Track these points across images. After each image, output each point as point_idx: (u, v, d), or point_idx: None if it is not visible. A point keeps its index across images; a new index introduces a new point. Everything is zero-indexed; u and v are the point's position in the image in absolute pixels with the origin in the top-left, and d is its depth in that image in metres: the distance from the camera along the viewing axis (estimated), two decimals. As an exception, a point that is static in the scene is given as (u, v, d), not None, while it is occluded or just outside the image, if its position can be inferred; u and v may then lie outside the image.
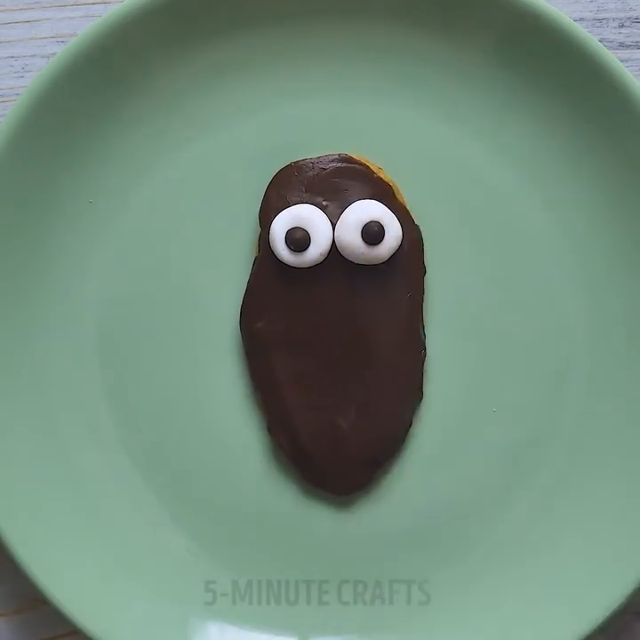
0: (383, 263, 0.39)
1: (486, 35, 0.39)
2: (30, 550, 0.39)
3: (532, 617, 0.40)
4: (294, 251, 0.39)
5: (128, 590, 0.40)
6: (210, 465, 0.41)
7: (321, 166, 0.40)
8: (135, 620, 0.40)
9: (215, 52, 0.40)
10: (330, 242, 0.39)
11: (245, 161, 0.41)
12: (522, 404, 0.41)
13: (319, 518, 0.41)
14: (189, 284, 0.41)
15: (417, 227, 0.40)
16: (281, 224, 0.39)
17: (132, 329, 0.41)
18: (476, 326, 0.41)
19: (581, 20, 0.42)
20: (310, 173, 0.40)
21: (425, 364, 0.41)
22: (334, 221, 0.39)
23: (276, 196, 0.40)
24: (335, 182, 0.40)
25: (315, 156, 0.40)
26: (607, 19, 0.42)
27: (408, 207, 0.40)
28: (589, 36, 0.38)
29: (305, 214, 0.39)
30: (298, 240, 0.39)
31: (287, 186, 0.40)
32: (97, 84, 0.39)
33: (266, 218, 0.40)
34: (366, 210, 0.39)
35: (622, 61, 0.39)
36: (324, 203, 0.40)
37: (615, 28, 0.42)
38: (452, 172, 0.41)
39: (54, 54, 0.41)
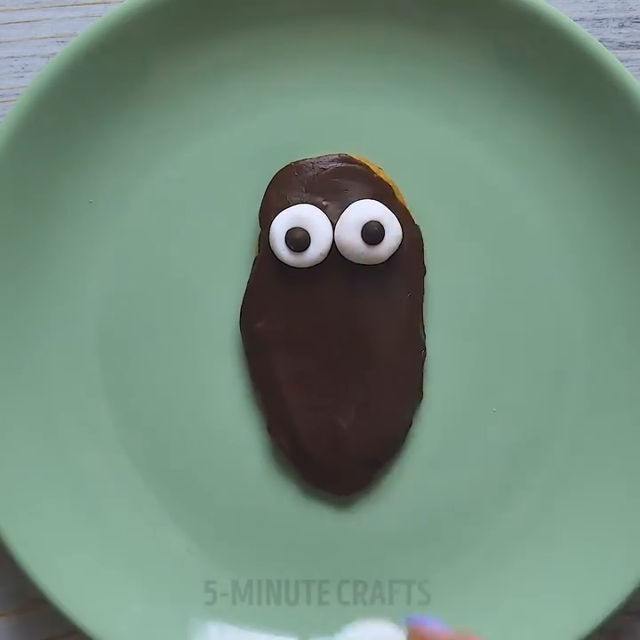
0: (383, 263, 0.39)
1: (486, 35, 0.39)
2: (30, 550, 0.39)
3: (532, 617, 0.40)
4: (294, 251, 0.39)
5: (128, 590, 0.40)
6: (210, 465, 0.41)
7: (321, 166, 0.40)
8: (135, 620, 0.40)
9: (215, 51, 0.40)
10: (330, 242, 0.39)
11: (245, 161, 0.41)
12: (522, 403, 0.41)
13: (319, 518, 0.41)
14: (189, 284, 0.41)
15: (417, 227, 0.40)
16: (281, 224, 0.39)
17: (132, 329, 0.41)
18: (476, 326, 0.41)
19: (581, 20, 0.42)
20: (310, 173, 0.40)
21: (425, 363, 0.41)
22: (334, 221, 0.39)
23: (276, 196, 0.40)
24: (335, 182, 0.40)
25: (315, 155, 0.40)
26: (607, 19, 0.42)
27: (408, 207, 0.40)
28: (589, 36, 0.38)
29: (305, 214, 0.39)
30: (298, 240, 0.39)
31: (287, 186, 0.40)
32: (97, 84, 0.39)
33: (266, 218, 0.40)
34: (366, 210, 0.39)
35: (622, 61, 0.39)
36: (324, 203, 0.40)
37: (615, 28, 0.42)
38: (452, 172, 0.41)
39: (54, 54, 0.41)
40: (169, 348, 0.41)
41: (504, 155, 0.40)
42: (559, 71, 0.39)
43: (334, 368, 0.40)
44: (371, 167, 0.40)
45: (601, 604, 0.39)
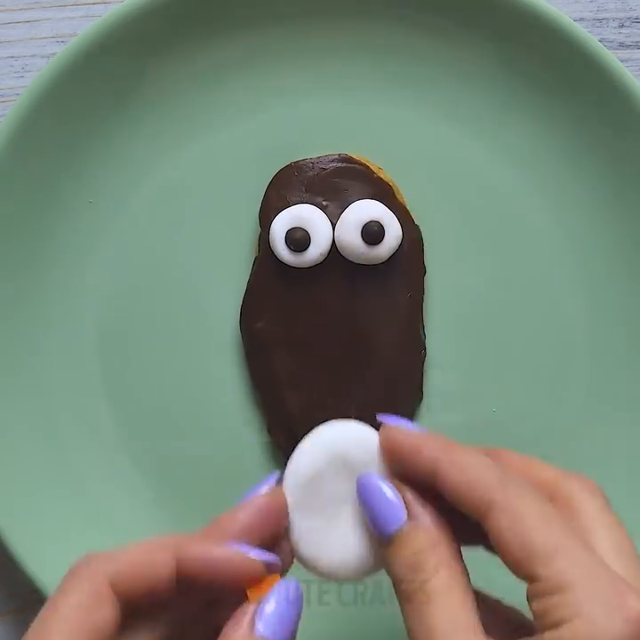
0: (383, 263, 0.39)
1: (486, 35, 0.39)
2: (30, 550, 0.39)
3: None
4: (294, 251, 0.39)
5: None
6: (210, 465, 0.41)
7: (321, 166, 0.40)
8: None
9: (215, 52, 0.40)
10: (330, 242, 0.39)
11: (245, 161, 0.41)
12: (522, 404, 0.41)
13: (319, 518, 0.41)
14: (189, 284, 0.41)
15: (417, 227, 0.40)
16: (281, 224, 0.39)
17: (132, 329, 0.41)
18: (476, 326, 0.41)
19: (581, 20, 0.42)
20: (310, 173, 0.40)
21: (425, 364, 0.41)
22: (334, 221, 0.39)
23: (276, 196, 0.40)
24: (335, 182, 0.40)
25: (315, 156, 0.40)
26: (607, 19, 0.42)
27: (408, 207, 0.40)
28: (589, 36, 0.38)
29: (305, 214, 0.39)
30: (298, 240, 0.39)
31: (287, 186, 0.40)
32: (97, 84, 0.39)
33: (266, 218, 0.40)
34: (366, 210, 0.39)
35: (622, 61, 0.39)
36: (324, 203, 0.40)
37: (615, 28, 0.42)
38: (452, 171, 0.41)
39: (54, 54, 0.41)
40: (169, 348, 0.41)
41: (504, 155, 0.40)
42: (559, 71, 0.39)
43: (334, 368, 0.40)
44: (371, 167, 0.40)
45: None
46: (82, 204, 0.41)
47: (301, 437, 0.38)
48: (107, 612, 0.29)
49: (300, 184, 0.40)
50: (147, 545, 0.31)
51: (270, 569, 0.31)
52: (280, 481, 0.33)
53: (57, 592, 0.30)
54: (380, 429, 0.33)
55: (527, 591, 0.28)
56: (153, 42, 0.39)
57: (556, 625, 0.27)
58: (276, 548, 0.32)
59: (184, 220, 0.41)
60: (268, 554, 0.31)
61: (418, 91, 0.40)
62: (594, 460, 0.40)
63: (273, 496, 0.33)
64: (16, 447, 0.40)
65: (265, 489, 0.33)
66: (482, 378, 0.41)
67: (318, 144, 0.40)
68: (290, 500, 0.33)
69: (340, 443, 0.33)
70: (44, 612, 0.30)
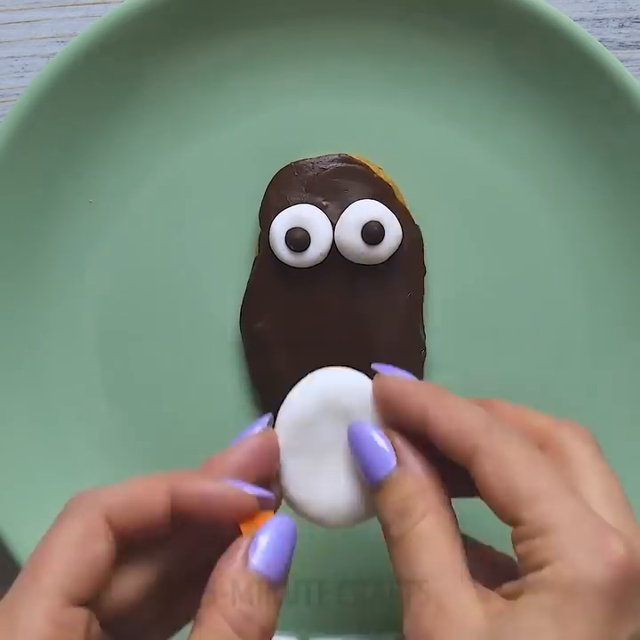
0: (383, 263, 0.39)
1: (486, 35, 0.39)
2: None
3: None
4: (294, 251, 0.39)
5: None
6: (210, 465, 0.41)
7: (321, 166, 0.40)
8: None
9: (215, 52, 0.40)
10: (330, 242, 0.39)
11: (245, 161, 0.41)
12: (522, 404, 0.41)
13: (319, 518, 0.41)
14: (189, 284, 0.41)
15: (417, 227, 0.40)
16: (281, 224, 0.39)
17: (132, 329, 0.41)
18: (476, 326, 0.41)
19: (581, 20, 0.42)
20: (310, 173, 0.40)
21: (425, 364, 0.41)
22: (334, 221, 0.39)
23: (276, 196, 0.40)
24: (335, 182, 0.40)
25: (315, 156, 0.40)
26: (607, 19, 0.42)
27: (408, 207, 0.40)
28: (589, 36, 0.38)
29: (305, 214, 0.39)
30: (298, 240, 0.39)
31: (287, 186, 0.40)
32: (97, 84, 0.39)
33: (266, 218, 0.40)
34: (366, 210, 0.39)
35: (622, 61, 0.39)
36: (324, 203, 0.40)
37: (615, 28, 0.42)
38: (452, 171, 0.41)
39: (54, 54, 0.41)
40: (169, 348, 0.41)
41: (504, 155, 0.40)
42: (559, 71, 0.39)
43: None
44: (371, 167, 0.40)
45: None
46: (82, 204, 0.41)
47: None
48: (102, 546, 0.30)
49: (300, 184, 0.40)
50: (142, 480, 0.31)
51: (264, 504, 0.31)
52: (273, 424, 0.34)
53: (52, 527, 0.30)
54: (374, 377, 0.34)
55: (512, 535, 0.29)
56: (153, 42, 0.39)
57: (538, 567, 0.28)
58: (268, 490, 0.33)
59: (184, 219, 0.41)
60: (261, 489, 0.32)
61: (418, 91, 0.40)
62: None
63: (265, 436, 0.33)
64: (16, 447, 0.40)
65: (257, 430, 0.33)
66: (482, 378, 0.41)
67: (318, 144, 0.40)
68: (281, 442, 0.33)
69: (333, 388, 0.34)
70: (39, 548, 0.30)
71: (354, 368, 0.36)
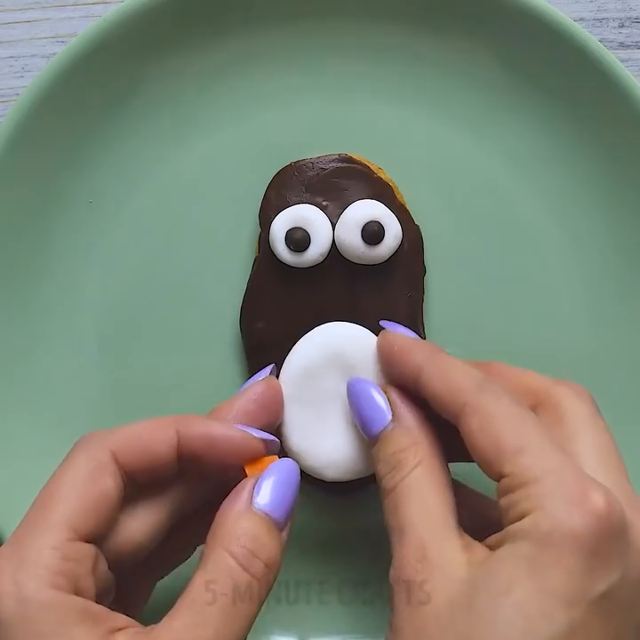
0: (383, 263, 0.39)
1: (486, 35, 0.39)
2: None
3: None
4: (294, 251, 0.39)
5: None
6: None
7: (321, 166, 0.40)
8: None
9: (215, 52, 0.40)
10: (330, 242, 0.39)
11: (245, 161, 0.41)
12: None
13: (319, 518, 0.41)
14: (189, 285, 0.41)
15: (417, 226, 0.40)
16: (281, 224, 0.39)
17: (132, 329, 0.41)
18: (476, 326, 0.41)
19: (581, 20, 0.42)
20: (310, 173, 0.40)
21: (425, 363, 0.41)
22: (334, 221, 0.39)
23: (276, 196, 0.40)
24: (335, 182, 0.40)
25: (315, 156, 0.40)
26: (607, 19, 0.42)
27: (408, 207, 0.40)
28: (589, 36, 0.38)
29: (305, 214, 0.39)
30: (298, 240, 0.39)
31: (287, 186, 0.40)
32: (97, 84, 0.39)
33: (266, 218, 0.40)
34: (366, 210, 0.39)
35: (622, 61, 0.39)
36: (324, 203, 0.40)
37: (615, 28, 0.42)
38: (452, 171, 0.41)
39: (54, 54, 0.41)
40: (169, 348, 0.41)
41: (504, 155, 0.40)
42: (559, 71, 0.39)
43: (334, 368, 0.40)
44: (371, 167, 0.40)
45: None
46: (82, 204, 0.41)
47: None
48: (110, 482, 0.30)
49: (300, 184, 0.40)
50: (149, 421, 0.32)
51: (268, 448, 0.32)
52: (276, 374, 0.35)
53: (61, 464, 0.31)
54: (379, 333, 0.35)
55: (497, 489, 0.29)
56: (153, 42, 0.39)
57: (518, 518, 0.28)
58: None
59: (184, 220, 0.41)
60: (267, 433, 0.33)
61: (418, 91, 0.40)
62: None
63: (268, 384, 0.34)
64: (16, 446, 0.40)
65: (261, 378, 0.35)
66: (482, 378, 0.41)
67: (318, 144, 0.40)
68: (284, 391, 0.34)
69: (336, 341, 0.35)
70: (47, 484, 0.30)
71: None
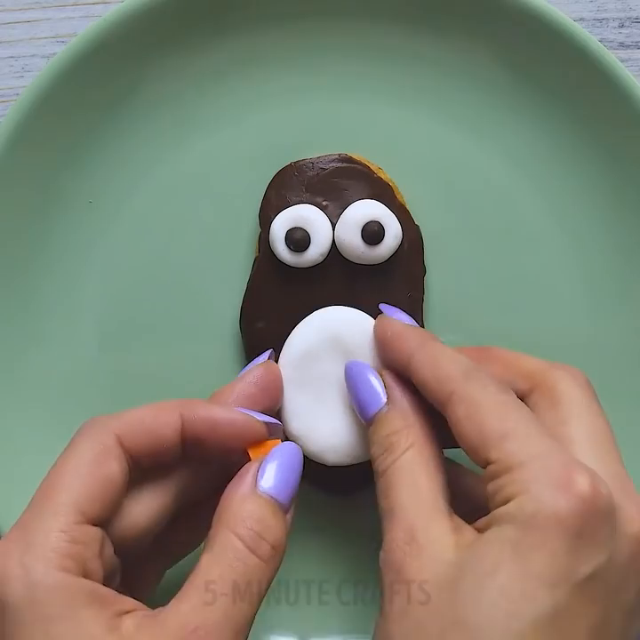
0: (383, 263, 0.39)
1: (486, 35, 0.39)
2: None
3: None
4: (294, 251, 0.39)
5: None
6: (210, 465, 0.41)
7: (321, 166, 0.40)
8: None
9: (215, 51, 0.40)
10: (330, 242, 0.39)
11: (245, 161, 0.41)
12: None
13: (319, 518, 0.41)
14: (189, 284, 0.41)
15: (417, 226, 0.40)
16: (281, 224, 0.39)
17: (132, 329, 0.41)
18: (476, 326, 0.41)
19: (581, 20, 0.42)
20: (310, 173, 0.40)
21: (425, 363, 0.41)
22: (334, 221, 0.39)
23: (276, 196, 0.40)
24: (335, 182, 0.40)
25: (315, 155, 0.40)
26: (607, 19, 0.42)
27: (408, 207, 0.40)
28: (589, 36, 0.38)
29: (305, 214, 0.39)
30: (298, 240, 0.39)
31: (287, 186, 0.40)
32: (97, 84, 0.39)
33: (266, 218, 0.40)
34: (366, 210, 0.39)
35: (622, 61, 0.39)
36: (324, 203, 0.40)
37: (615, 28, 0.42)
38: (452, 171, 0.41)
39: (54, 54, 0.41)
40: (169, 348, 0.41)
41: (504, 155, 0.41)
42: (559, 71, 0.39)
43: (334, 368, 0.40)
44: (371, 167, 0.40)
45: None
46: (82, 204, 0.41)
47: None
48: (115, 465, 0.31)
49: (300, 184, 0.40)
50: (153, 405, 0.32)
51: (272, 432, 0.33)
52: (275, 359, 0.36)
53: (66, 448, 0.31)
54: (377, 318, 0.35)
55: (484, 476, 0.29)
56: (153, 42, 0.39)
57: (505, 502, 0.28)
58: None
59: (184, 219, 0.41)
60: (270, 417, 0.33)
61: (418, 90, 0.40)
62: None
63: (268, 368, 0.35)
64: (16, 445, 0.40)
65: (260, 362, 0.35)
66: (482, 378, 0.41)
67: (318, 144, 0.40)
68: (284, 375, 0.34)
69: (335, 325, 0.36)
70: (53, 468, 0.31)
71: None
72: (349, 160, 0.40)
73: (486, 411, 0.30)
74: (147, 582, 0.35)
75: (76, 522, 0.29)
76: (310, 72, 0.40)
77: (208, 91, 0.40)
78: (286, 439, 0.35)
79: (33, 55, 0.42)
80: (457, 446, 0.31)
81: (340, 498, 0.41)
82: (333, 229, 0.39)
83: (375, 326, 0.36)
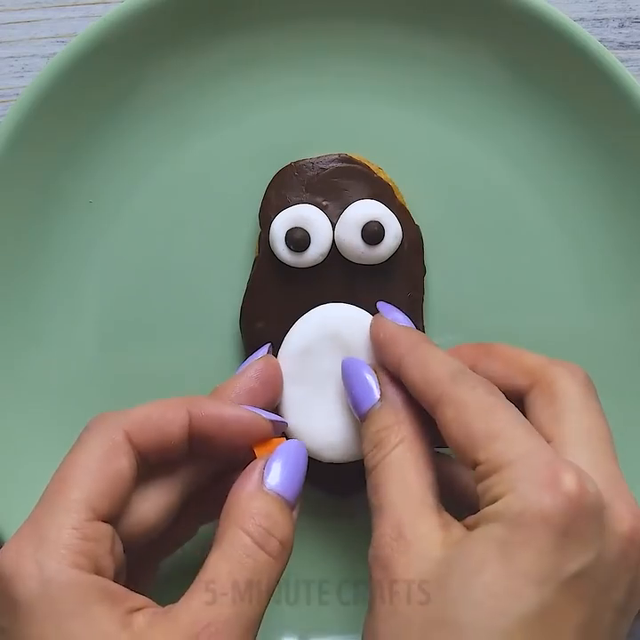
0: (383, 263, 0.39)
1: (486, 35, 0.39)
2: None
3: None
4: (294, 251, 0.39)
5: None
6: (210, 465, 0.41)
7: (321, 166, 0.40)
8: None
9: (215, 52, 0.40)
10: (330, 242, 0.39)
11: (245, 161, 0.41)
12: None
13: (319, 518, 0.41)
14: (189, 285, 0.41)
15: (417, 226, 0.40)
16: (281, 224, 0.39)
17: (132, 329, 0.41)
18: (476, 326, 0.41)
19: (581, 20, 0.42)
20: (310, 173, 0.40)
21: (425, 363, 0.41)
22: (334, 221, 0.39)
23: (276, 196, 0.40)
24: (335, 182, 0.40)
25: (315, 156, 0.40)
26: (607, 19, 0.42)
27: (408, 207, 0.40)
28: (589, 36, 0.38)
29: (305, 214, 0.39)
30: (298, 240, 0.39)
31: (287, 186, 0.40)
32: (97, 84, 0.39)
33: (266, 218, 0.40)
34: (366, 210, 0.39)
35: (622, 61, 0.39)
36: (324, 203, 0.40)
37: (615, 28, 0.42)
38: (452, 172, 0.41)
39: (54, 54, 0.41)
40: (169, 348, 0.41)
41: (504, 154, 0.41)
42: (559, 71, 0.39)
43: (334, 368, 0.40)
44: (371, 167, 0.40)
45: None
46: (82, 204, 0.41)
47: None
48: (124, 462, 0.31)
49: (300, 184, 0.40)
50: (161, 402, 0.33)
51: (277, 429, 0.33)
52: (274, 353, 0.36)
53: (75, 445, 0.31)
54: (373, 317, 0.36)
55: (473, 478, 0.29)
56: (153, 42, 0.39)
57: (492, 501, 0.28)
58: None
59: (184, 219, 0.41)
60: (275, 415, 0.34)
61: (418, 91, 0.40)
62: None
63: (267, 362, 0.35)
64: (16, 446, 0.40)
65: (259, 356, 0.36)
66: (482, 378, 0.41)
67: (318, 144, 0.40)
68: (283, 369, 0.35)
69: (334, 322, 0.36)
70: (63, 464, 0.31)
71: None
72: (349, 160, 0.40)
73: (474, 412, 0.30)
74: (146, 576, 0.35)
75: (88, 519, 0.29)
76: (310, 72, 0.40)
77: (208, 91, 0.40)
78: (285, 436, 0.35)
79: (33, 55, 0.42)
80: (447, 446, 0.32)
81: (339, 498, 0.41)
82: (333, 229, 0.39)
83: (371, 326, 0.36)
